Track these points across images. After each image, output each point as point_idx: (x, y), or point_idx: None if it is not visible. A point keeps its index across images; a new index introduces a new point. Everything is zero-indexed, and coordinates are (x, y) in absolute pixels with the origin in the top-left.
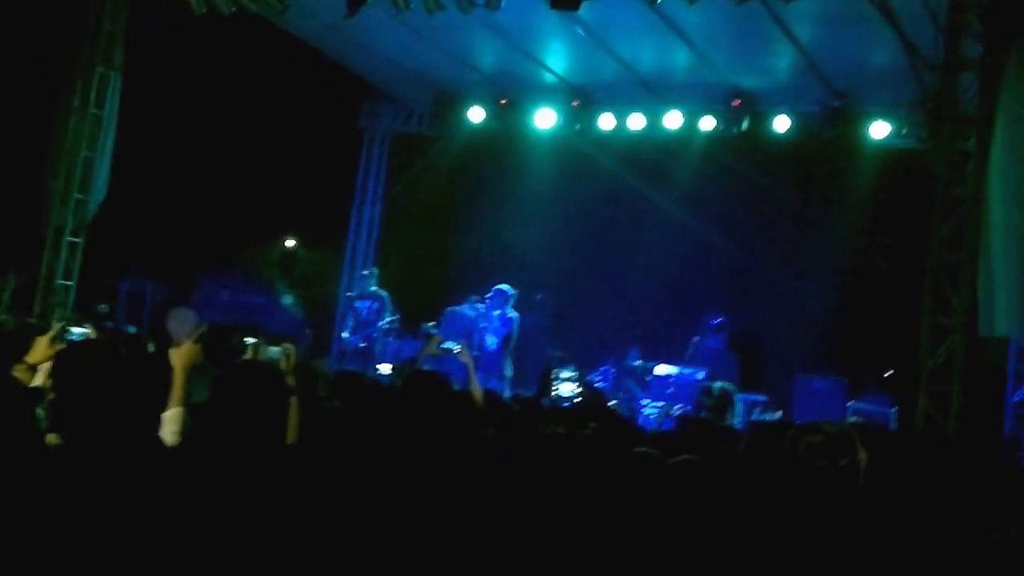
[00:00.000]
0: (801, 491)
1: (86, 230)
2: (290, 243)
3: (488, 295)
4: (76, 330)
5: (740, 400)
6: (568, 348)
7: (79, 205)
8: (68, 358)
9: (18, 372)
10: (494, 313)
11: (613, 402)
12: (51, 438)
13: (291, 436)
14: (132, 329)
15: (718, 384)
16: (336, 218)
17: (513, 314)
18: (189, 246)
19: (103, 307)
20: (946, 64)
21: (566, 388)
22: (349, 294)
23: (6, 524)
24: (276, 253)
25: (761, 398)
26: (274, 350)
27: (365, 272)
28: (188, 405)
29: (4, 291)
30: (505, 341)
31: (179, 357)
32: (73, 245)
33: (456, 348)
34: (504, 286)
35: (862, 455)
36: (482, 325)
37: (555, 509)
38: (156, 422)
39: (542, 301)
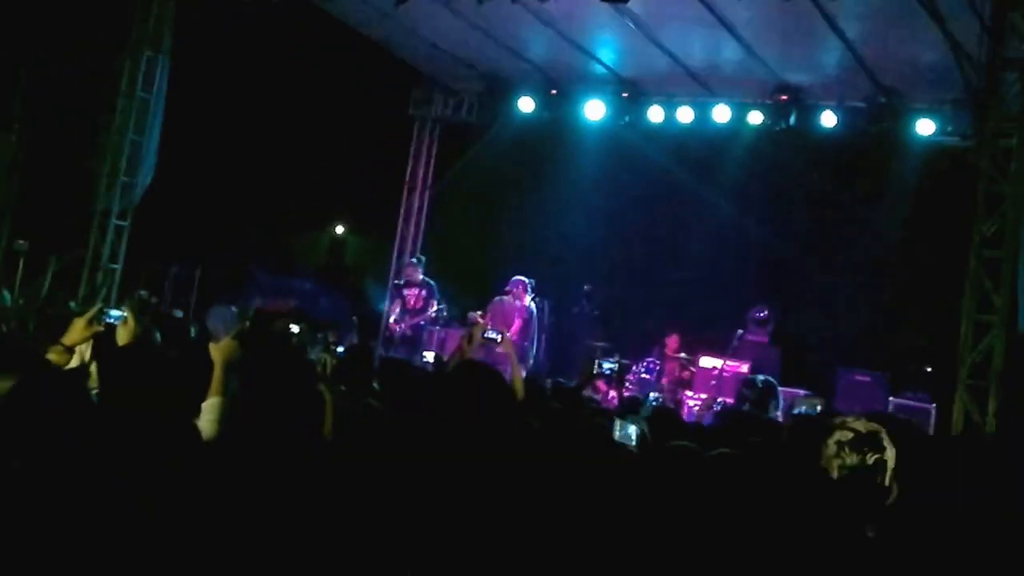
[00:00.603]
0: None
1: (133, 213)
2: (339, 229)
3: (506, 286)
4: (114, 312)
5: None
6: (613, 339)
7: (126, 188)
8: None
9: (54, 354)
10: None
11: (655, 395)
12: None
13: (327, 429)
14: (179, 313)
15: (761, 377)
16: (385, 206)
17: (531, 304)
18: (237, 231)
19: (144, 293)
20: (990, 62)
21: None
22: (396, 281)
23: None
24: (325, 239)
25: (803, 392)
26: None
27: (413, 260)
28: (227, 396)
29: (46, 274)
30: (523, 331)
31: (219, 352)
32: (120, 228)
33: (499, 337)
34: (521, 276)
35: (889, 453)
36: None
37: (593, 500)
38: (195, 411)
39: (589, 292)
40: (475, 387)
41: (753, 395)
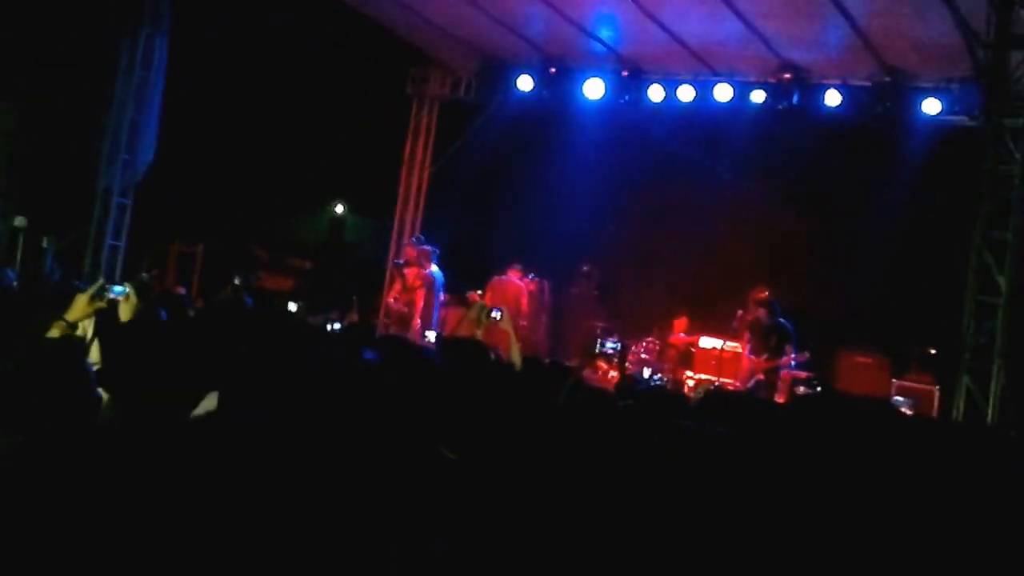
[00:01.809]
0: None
1: (135, 191)
2: (339, 209)
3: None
4: (116, 288)
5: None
6: (614, 319)
7: (126, 166)
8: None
9: (57, 329)
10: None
11: (657, 375)
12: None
13: None
14: (181, 291)
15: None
16: (384, 185)
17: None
18: (238, 209)
19: (145, 276)
20: (998, 41)
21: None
22: (396, 261)
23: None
24: (324, 218)
25: (804, 374)
26: None
27: (412, 239)
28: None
29: (46, 254)
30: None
31: None
32: (122, 206)
33: (498, 315)
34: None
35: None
36: None
37: (592, 479)
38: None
39: (588, 272)
40: (462, 362)
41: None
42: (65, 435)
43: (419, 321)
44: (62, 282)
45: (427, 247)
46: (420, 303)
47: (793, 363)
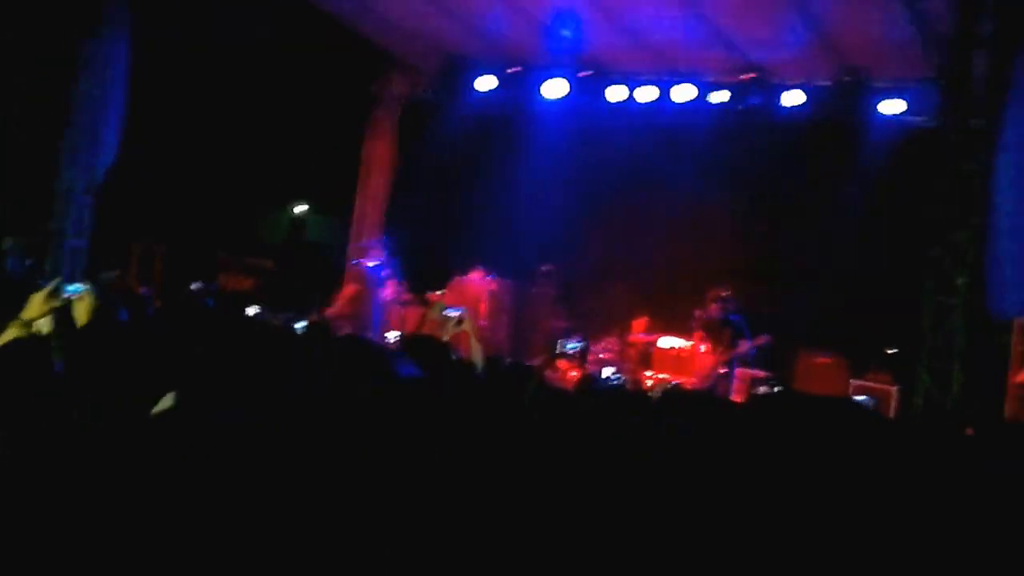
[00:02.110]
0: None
1: (97, 191)
2: (300, 208)
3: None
4: (71, 287)
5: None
6: (575, 319)
7: (89, 165)
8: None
9: (14, 328)
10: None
11: (616, 375)
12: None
13: None
14: (143, 291)
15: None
16: (345, 184)
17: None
18: (201, 209)
19: (108, 275)
20: (959, 41)
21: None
22: (354, 261)
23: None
24: (286, 217)
25: (763, 373)
26: None
27: (374, 240)
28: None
29: (5, 255)
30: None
31: None
32: (83, 205)
33: (457, 315)
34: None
35: None
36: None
37: (547, 475)
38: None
39: (549, 272)
40: (423, 361)
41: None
42: (31, 435)
43: (357, 320)
44: (25, 282)
45: (368, 242)
46: (356, 301)
47: (754, 349)
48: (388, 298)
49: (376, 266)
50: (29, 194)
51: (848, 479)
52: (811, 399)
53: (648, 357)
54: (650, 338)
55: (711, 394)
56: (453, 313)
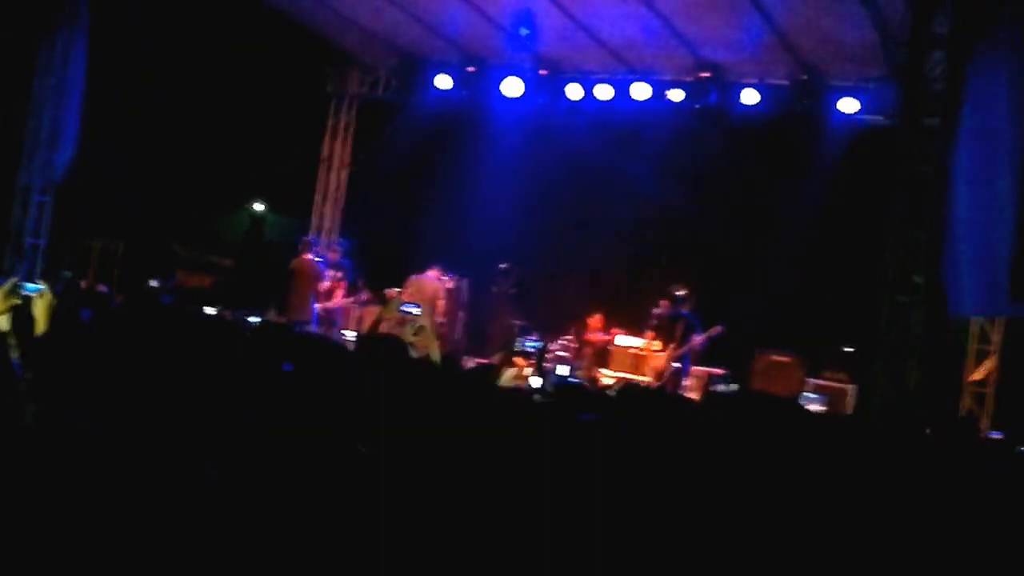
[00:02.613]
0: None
1: (55, 190)
2: (258, 207)
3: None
4: (30, 285)
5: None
6: (532, 317)
7: (46, 164)
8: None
9: None
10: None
11: (574, 373)
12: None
13: None
14: (103, 289)
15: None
16: (303, 183)
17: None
18: (159, 207)
19: (67, 273)
20: (915, 40)
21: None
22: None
23: None
24: (244, 216)
25: (720, 371)
26: None
27: (328, 239)
28: None
29: None
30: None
31: None
32: (41, 204)
33: (416, 312)
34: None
35: None
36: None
37: (502, 471)
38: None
39: (506, 270)
40: (378, 357)
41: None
42: None
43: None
44: None
45: (311, 238)
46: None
47: (707, 341)
48: (338, 299)
49: (320, 262)
50: None
51: (803, 478)
52: (768, 399)
53: (605, 355)
54: (607, 337)
55: (665, 392)
56: (410, 309)
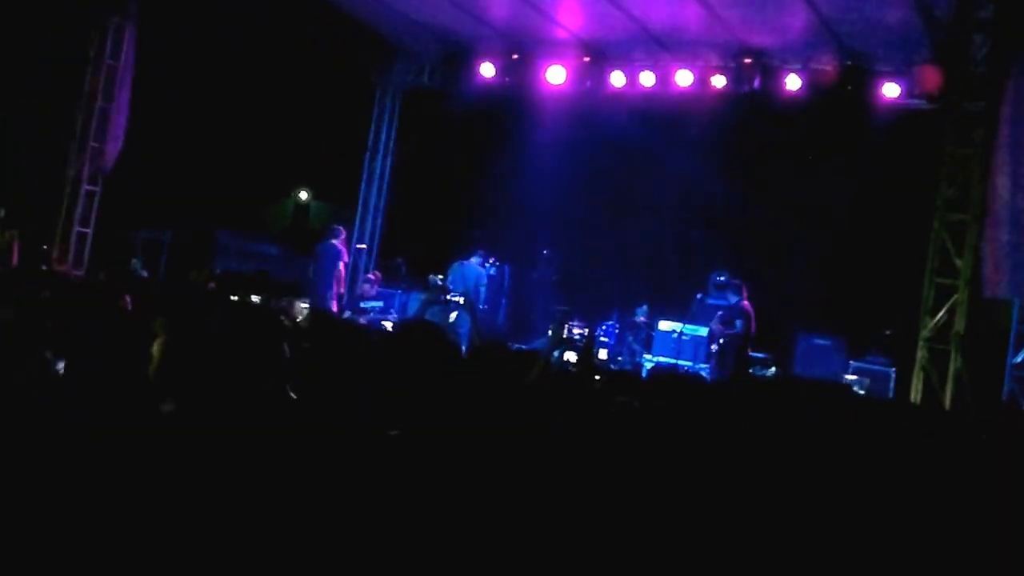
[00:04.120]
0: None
1: (104, 180)
2: (303, 195)
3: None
4: None
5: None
6: (574, 303)
7: (95, 154)
8: None
9: None
10: None
11: (618, 358)
12: None
13: None
14: (144, 273)
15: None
16: (348, 171)
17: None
18: (206, 196)
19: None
20: (959, 25)
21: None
22: (359, 245)
23: None
24: (290, 204)
25: (761, 355)
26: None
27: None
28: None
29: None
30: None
31: None
32: (90, 194)
33: (460, 299)
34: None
35: None
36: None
37: (540, 455)
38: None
39: (549, 257)
40: (417, 345)
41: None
42: None
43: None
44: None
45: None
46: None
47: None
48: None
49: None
50: (37, 184)
51: (842, 463)
52: (804, 382)
53: (648, 341)
54: (650, 321)
55: (699, 375)
56: (456, 296)
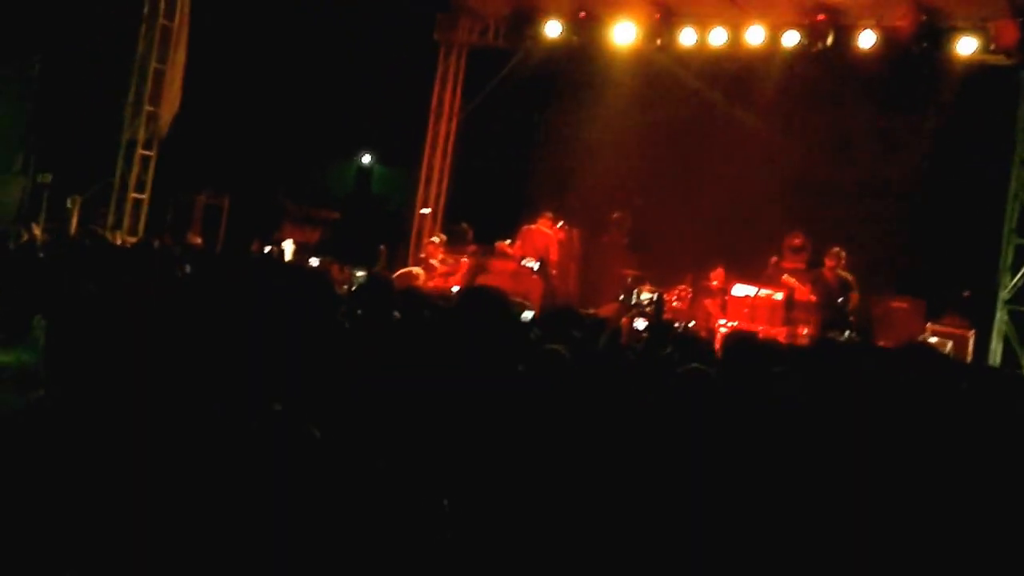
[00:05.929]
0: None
1: (160, 143)
2: (366, 159)
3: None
4: None
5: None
6: (646, 267)
7: (150, 118)
8: None
9: None
10: None
11: (691, 323)
12: None
13: None
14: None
15: None
16: (412, 134)
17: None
18: (265, 161)
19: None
20: None
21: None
22: (424, 210)
23: None
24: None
25: (838, 319)
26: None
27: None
28: None
29: (72, 207)
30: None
31: None
32: (146, 158)
33: (534, 265)
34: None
35: None
36: None
37: (607, 422)
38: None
39: (619, 220)
40: (480, 311)
41: None
42: None
43: None
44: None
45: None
46: None
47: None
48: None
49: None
50: (92, 148)
51: (922, 427)
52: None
53: (723, 306)
54: (724, 286)
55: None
56: (531, 264)
